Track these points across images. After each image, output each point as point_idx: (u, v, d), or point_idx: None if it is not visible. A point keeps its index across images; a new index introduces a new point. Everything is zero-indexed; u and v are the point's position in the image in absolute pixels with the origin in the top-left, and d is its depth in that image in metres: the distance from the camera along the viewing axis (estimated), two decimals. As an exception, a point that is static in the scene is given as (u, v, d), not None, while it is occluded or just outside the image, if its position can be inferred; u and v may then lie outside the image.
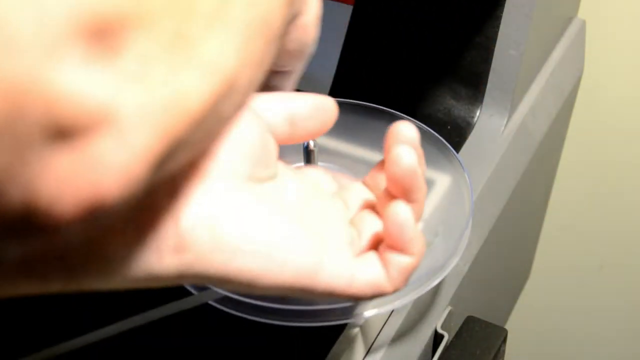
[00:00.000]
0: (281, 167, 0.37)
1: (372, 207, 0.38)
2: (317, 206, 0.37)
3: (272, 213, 0.34)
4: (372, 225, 0.37)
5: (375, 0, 0.61)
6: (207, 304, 0.45)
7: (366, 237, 0.37)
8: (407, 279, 0.36)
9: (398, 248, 0.35)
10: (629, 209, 0.86)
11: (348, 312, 0.44)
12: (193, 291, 0.45)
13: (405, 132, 0.36)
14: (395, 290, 0.36)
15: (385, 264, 0.36)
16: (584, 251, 0.92)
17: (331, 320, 0.44)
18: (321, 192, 0.38)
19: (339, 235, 0.36)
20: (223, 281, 0.32)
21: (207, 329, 0.45)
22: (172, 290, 0.46)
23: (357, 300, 0.36)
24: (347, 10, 0.62)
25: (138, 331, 0.44)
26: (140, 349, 0.44)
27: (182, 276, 0.31)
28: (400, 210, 0.35)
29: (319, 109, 0.39)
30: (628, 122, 0.80)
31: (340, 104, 0.47)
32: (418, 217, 0.36)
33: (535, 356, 1.05)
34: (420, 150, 0.36)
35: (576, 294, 0.96)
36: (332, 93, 0.61)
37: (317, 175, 0.40)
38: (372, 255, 0.36)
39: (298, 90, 0.64)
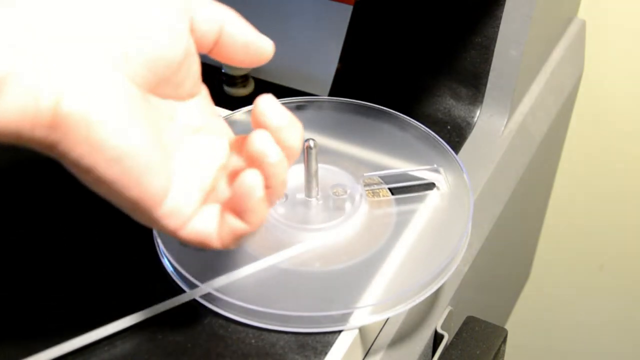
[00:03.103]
0: (209, 109, 0.39)
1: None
2: (194, 148, 0.38)
3: (145, 126, 0.35)
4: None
5: (375, 0, 0.61)
6: (207, 306, 0.45)
7: (222, 191, 0.38)
8: (237, 241, 0.38)
9: (236, 212, 0.37)
10: (629, 208, 0.86)
11: (343, 319, 0.44)
12: (186, 289, 0.45)
13: (265, 114, 0.37)
14: (223, 247, 0.38)
15: (221, 221, 0.38)
16: (584, 251, 0.92)
17: (326, 327, 0.44)
18: (210, 138, 0.39)
19: (195, 178, 0.38)
20: (77, 169, 0.34)
21: (203, 329, 0.45)
22: (161, 288, 0.46)
23: (185, 243, 0.38)
24: (347, 10, 0.62)
25: (129, 331, 0.44)
26: (132, 349, 0.44)
27: (46, 145, 0.33)
28: (247, 179, 0.36)
29: (252, 45, 0.39)
30: (628, 122, 0.80)
31: (340, 104, 0.48)
32: (272, 198, 0.38)
33: (535, 356, 1.05)
34: (292, 124, 0.37)
35: (576, 294, 0.96)
36: (332, 93, 0.61)
37: (219, 129, 0.40)
38: (214, 209, 0.38)
39: (298, 90, 0.64)
